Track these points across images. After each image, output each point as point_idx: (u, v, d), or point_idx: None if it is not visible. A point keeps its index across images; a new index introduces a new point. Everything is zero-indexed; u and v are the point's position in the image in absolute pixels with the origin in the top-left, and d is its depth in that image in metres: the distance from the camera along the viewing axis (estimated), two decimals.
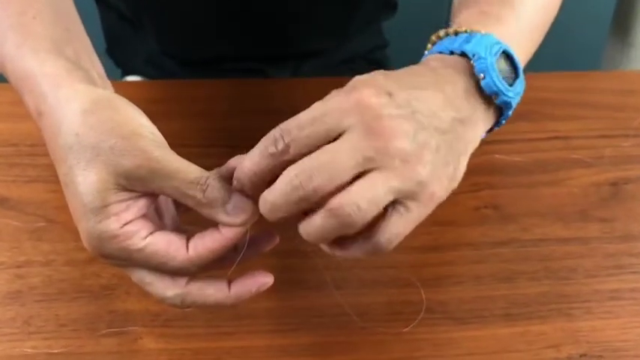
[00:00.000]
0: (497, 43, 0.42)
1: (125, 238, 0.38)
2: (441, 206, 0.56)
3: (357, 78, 0.39)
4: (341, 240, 0.39)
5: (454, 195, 0.57)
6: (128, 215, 0.38)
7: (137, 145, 0.37)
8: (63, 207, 0.54)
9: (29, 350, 0.46)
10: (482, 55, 0.41)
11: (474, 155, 0.59)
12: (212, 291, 0.40)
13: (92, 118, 0.38)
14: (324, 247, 0.40)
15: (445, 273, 0.52)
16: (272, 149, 0.37)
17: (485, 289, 0.51)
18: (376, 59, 0.82)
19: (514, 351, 0.48)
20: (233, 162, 0.41)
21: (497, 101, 0.42)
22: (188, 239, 0.39)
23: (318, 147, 0.37)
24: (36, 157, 0.58)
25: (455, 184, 0.41)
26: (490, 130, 0.45)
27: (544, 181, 0.58)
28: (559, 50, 1.06)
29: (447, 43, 0.44)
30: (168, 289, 0.39)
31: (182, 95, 0.64)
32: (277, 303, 0.49)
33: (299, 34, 0.75)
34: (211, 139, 0.60)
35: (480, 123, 0.42)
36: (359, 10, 0.76)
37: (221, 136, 0.60)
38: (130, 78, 0.82)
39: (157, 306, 0.49)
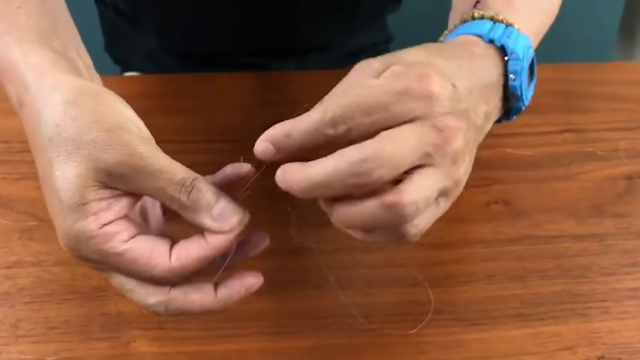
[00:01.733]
0: (530, 47, 0.42)
1: (104, 240, 0.35)
2: None
3: (417, 58, 0.37)
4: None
5: (463, 189, 0.56)
6: (109, 215, 0.35)
7: (121, 139, 0.35)
8: None
9: (15, 355, 0.44)
10: (520, 56, 0.41)
11: (483, 149, 0.57)
12: (198, 296, 0.37)
13: (74, 109, 0.36)
14: (352, 232, 0.38)
15: (454, 272, 0.50)
16: (330, 131, 0.35)
17: (496, 289, 0.49)
18: (380, 54, 0.80)
19: (527, 353, 0.46)
20: (229, 169, 0.39)
21: (512, 103, 0.42)
22: (172, 245, 0.36)
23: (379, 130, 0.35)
24: (27, 154, 0.54)
25: None
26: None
27: (556, 176, 0.56)
28: (570, 42, 1.03)
29: (482, 28, 0.42)
30: (149, 296, 0.37)
31: (181, 90, 0.62)
32: (277, 304, 0.47)
33: (302, 28, 0.73)
34: (211, 135, 0.58)
35: (494, 117, 0.42)
36: (362, 4, 0.74)
37: (221, 131, 0.58)
38: (129, 74, 0.80)
39: None
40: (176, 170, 0.35)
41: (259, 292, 0.47)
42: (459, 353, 0.45)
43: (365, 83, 0.36)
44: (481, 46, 0.41)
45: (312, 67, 0.76)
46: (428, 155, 0.35)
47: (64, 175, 0.35)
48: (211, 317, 0.46)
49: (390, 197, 0.35)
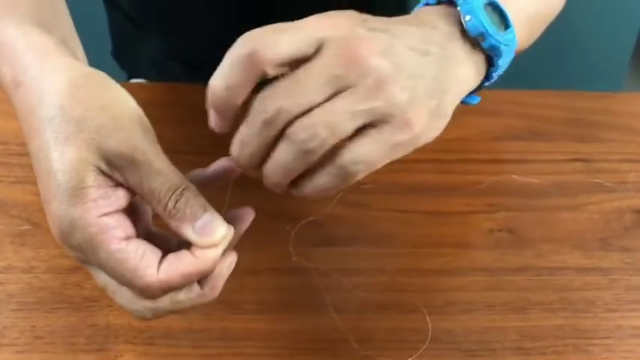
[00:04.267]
0: None
1: (100, 231, 0.33)
2: (453, 227, 0.53)
3: None
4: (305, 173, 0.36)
5: (466, 215, 0.55)
6: (107, 205, 0.34)
7: (127, 129, 0.34)
8: None
9: None
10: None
11: (489, 174, 0.57)
12: (183, 295, 0.35)
13: (82, 91, 0.35)
14: (294, 192, 0.37)
15: (454, 299, 0.48)
16: (244, 51, 0.34)
17: (497, 319, 0.47)
18: None
19: None
20: (222, 162, 0.38)
21: (484, 44, 0.39)
22: (161, 258, 0.35)
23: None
24: (25, 157, 0.54)
25: (439, 124, 0.38)
26: (481, 86, 0.42)
27: (563, 206, 0.55)
28: (580, 70, 1.03)
29: None
30: (135, 301, 0.35)
31: (185, 99, 0.61)
32: (270, 325, 0.46)
33: None
34: (214, 147, 0.56)
35: (467, 64, 0.40)
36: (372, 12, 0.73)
37: (222, 144, 0.57)
38: (134, 81, 0.80)
39: (141, 322, 0.45)
40: (172, 175, 0.34)
41: (253, 311, 0.47)
42: None
43: None
44: (423, 9, 0.41)
45: None
46: (340, 77, 0.34)
47: (63, 157, 0.33)
48: (204, 335, 0.45)
49: (288, 128, 0.34)
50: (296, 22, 0.35)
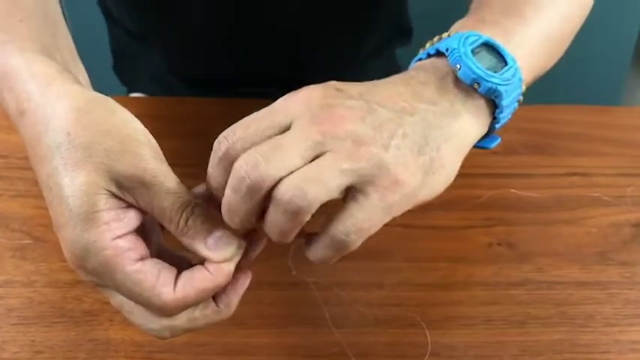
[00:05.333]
0: (475, 35, 0.39)
1: (114, 253, 0.34)
2: (452, 241, 0.54)
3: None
4: (309, 238, 0.36)
5: (465, 229, 0.55)
6: (120, 227, 0.34)
7: (135, 151, 0.34)
8: (50, 225, 0.52)
9: None
10: (455, 46, 0.38)
11: (488, 188, 0.57)
12: (199, 312, 0.36)
13: (87, 117, 0.35)
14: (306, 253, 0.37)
15: (453, 314, 0.48)
16: (219, 153, 0.35)
17: (496, 334, 0.47)
18: None
19: None
20: None
21: (480, 90, 0.38)
22: (177, 275, 0.35)
23: None
24: (26, 170, 0.55)
25: (438, 180, 0.37)
26: (491, 129, 0.41)
27: (561, 220, 0.55)
28: (578, 84, 1.03)
29: (427, 50, 0.41)
30: (152, 320, 0.36)
31: (186, 113, 0.61)
32: (270, 339, 0.46)
33: (308, 61, 0.73)
34: None
35: (464, 115, 0.38)
36: (371, 34, 0.74)
37: None
38: (135, 96, 0.80)
39: (141, 336, 0.45)
40: (181, 194, 0.35)
41: (254, 325, 0.47)
42: None
43: None
44: (414, 67, 0.40)
45: None
46: (319, 143, 0.34)
47: (74, 182, 0.34)
48: (205, 349, 0.45)
49: (275, 190, 0.33)
50: (267, 107, 0.36)
